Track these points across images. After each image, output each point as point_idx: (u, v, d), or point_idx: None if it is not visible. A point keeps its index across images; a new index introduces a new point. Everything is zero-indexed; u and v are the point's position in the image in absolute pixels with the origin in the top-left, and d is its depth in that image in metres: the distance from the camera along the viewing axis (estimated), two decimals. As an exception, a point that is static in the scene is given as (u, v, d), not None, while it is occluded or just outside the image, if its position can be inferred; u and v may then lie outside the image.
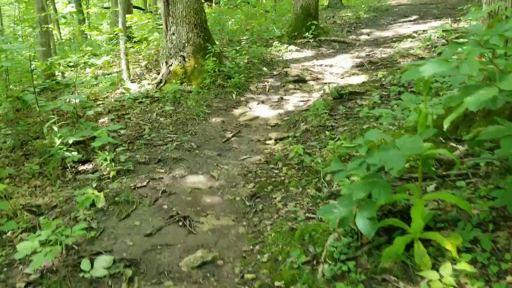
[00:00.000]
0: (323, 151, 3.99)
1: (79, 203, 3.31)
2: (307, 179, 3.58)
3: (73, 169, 4.04)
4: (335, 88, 5.51)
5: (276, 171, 3.86)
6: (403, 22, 11.52)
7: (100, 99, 6.34)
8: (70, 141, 4.17)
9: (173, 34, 6.57)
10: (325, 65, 7.48)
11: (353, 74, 6.67)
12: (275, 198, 3.40)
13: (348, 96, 5.32)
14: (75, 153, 4.06)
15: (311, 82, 6.54)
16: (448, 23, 9.67)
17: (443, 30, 8.31)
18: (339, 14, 14.33)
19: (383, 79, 5.76)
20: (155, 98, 6.07)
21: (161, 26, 7.54)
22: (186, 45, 6.55)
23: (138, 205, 3.37)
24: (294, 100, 5.80)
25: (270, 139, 4.65)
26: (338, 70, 7.08)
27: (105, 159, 3.92)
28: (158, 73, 7.47)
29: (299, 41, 9.72)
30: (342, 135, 4.17)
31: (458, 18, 10.00)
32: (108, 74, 7.57)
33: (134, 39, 9.99)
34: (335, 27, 11.73)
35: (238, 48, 7.95)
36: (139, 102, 6.00)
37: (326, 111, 4.84)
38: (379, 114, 4.11)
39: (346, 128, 4.40)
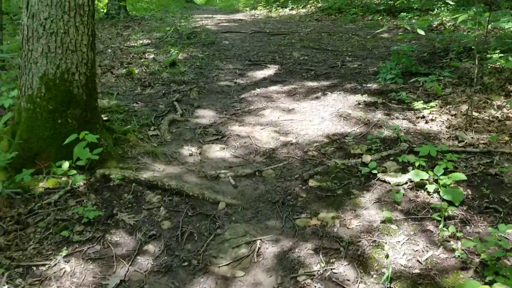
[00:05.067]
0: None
1: None
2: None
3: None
4: None
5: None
6: (267, 85, 6.02)
7: None
8: None
9: None
10: None
11: None
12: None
13: None
14: None
15: None
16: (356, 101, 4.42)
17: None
18: (125, 47, 7.88)
19: None
20: None
21: None
22: None
23: None
24: None
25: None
26: None
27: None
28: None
29: (40, 189, 3.16)
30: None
31: (367, 86, 5.05)
32: None
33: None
34: (129, 95, 5.41)
35: None
36: None
37: None
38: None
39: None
